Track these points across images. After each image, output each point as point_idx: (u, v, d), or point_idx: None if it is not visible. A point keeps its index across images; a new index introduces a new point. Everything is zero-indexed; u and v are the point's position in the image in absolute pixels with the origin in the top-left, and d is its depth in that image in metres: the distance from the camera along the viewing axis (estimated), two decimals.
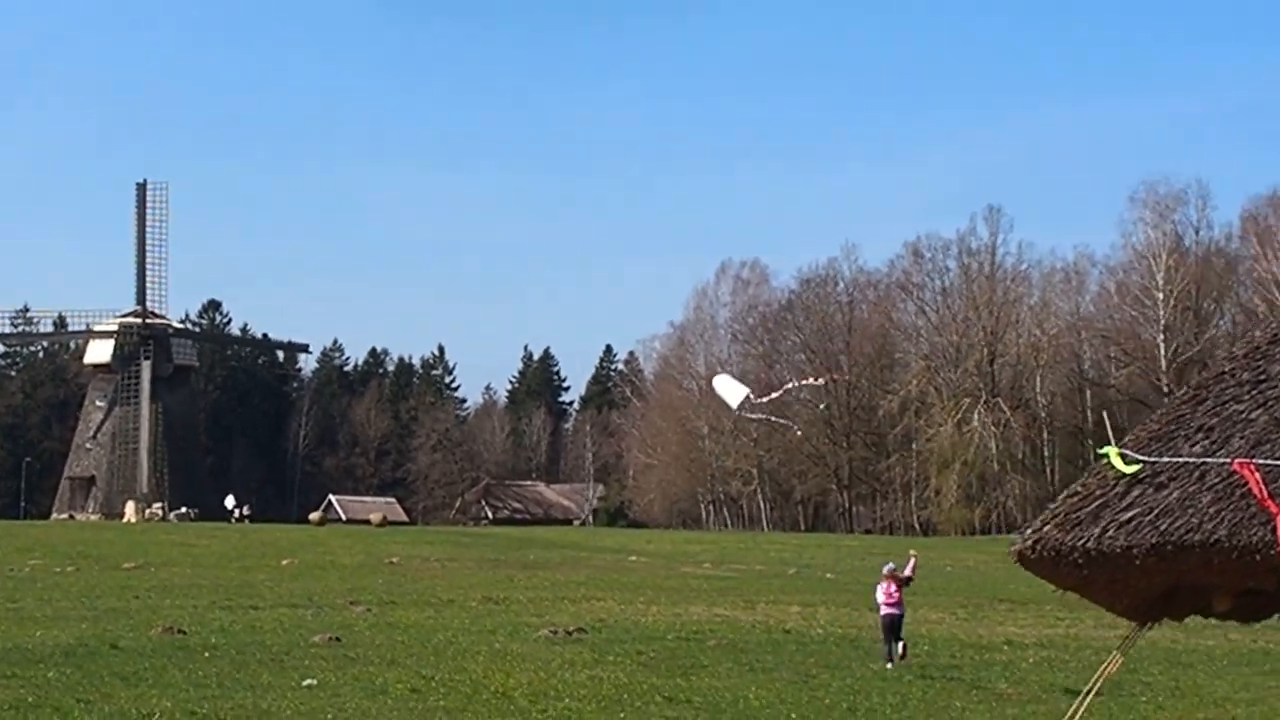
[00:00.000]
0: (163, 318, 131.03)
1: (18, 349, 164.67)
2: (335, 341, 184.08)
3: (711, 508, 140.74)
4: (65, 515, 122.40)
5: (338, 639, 27.11)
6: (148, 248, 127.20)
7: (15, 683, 20.39)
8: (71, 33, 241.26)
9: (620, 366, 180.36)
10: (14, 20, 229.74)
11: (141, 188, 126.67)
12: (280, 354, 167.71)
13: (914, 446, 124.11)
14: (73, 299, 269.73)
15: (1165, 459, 8.70)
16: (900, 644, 25.90)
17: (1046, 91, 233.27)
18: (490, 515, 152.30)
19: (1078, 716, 10.91)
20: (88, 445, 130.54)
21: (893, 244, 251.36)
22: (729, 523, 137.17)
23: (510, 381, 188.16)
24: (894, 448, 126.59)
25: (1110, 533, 8.37)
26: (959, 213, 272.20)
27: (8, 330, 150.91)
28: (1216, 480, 8.50)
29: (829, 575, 55.09)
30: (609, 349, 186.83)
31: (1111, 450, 9.03)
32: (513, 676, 21.97)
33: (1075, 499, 8.82)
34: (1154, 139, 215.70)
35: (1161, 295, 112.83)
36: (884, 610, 26.28)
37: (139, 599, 37.68)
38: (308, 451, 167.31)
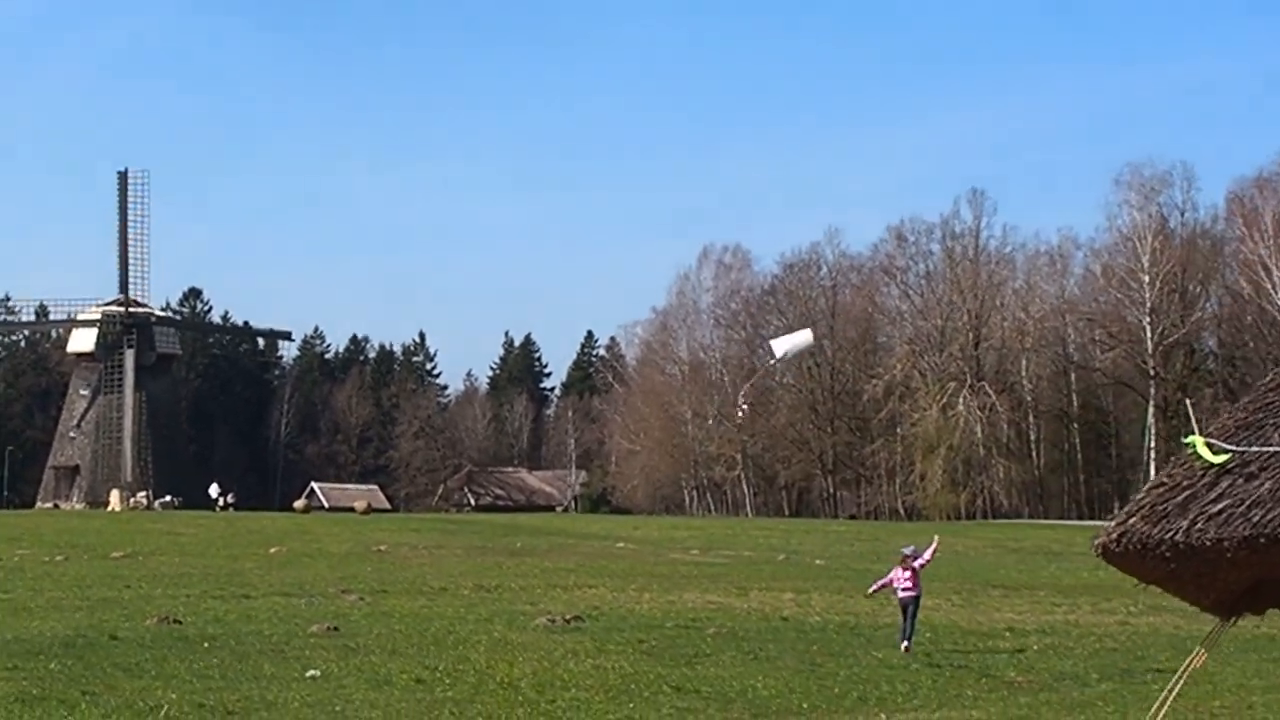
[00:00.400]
0: (145, 306, 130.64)
1: (0, 338, 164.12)
2: (316, 329, 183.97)
3: (695, 493, 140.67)
4: (50, 504, 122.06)
5: (336, 628, 26.94)
6: (130, 236, 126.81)
7: (18, 675, 20.17)
8: (52, 17, 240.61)
9: (602, 352, 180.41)
10: None
11: (123, 176, 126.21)
12: (262, 342, 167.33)
13: (899, 431, 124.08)
14: (53, 288, 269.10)
15: (1255, 448, 8.47)
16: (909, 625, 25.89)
17: (1029, 72, 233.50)
18: (473, 502, 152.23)
19: (1160, 715, 10.68)
20: (71, 434, 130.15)
21: (875, 228, 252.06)
22: (712, 508, 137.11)
23: (491, 368, 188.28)
24: (878, 432, 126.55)
25: (1199, 525, 8.16)
26: (942, 195, 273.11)
27: None
28: None
29: (819, 561, 54.97)
30: (590, 335, 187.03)
31: (1197, 440, 8.82)
32: (516, 666, 21.81)
33: (1161, 490, 8.63)
34: (1137, 120, 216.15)
35: (1147, 278, 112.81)
36: (900, 594, 26.20)
37: (130, 589, 37.46)
38: (289, 439, 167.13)
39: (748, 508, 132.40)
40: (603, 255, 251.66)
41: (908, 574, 26.17)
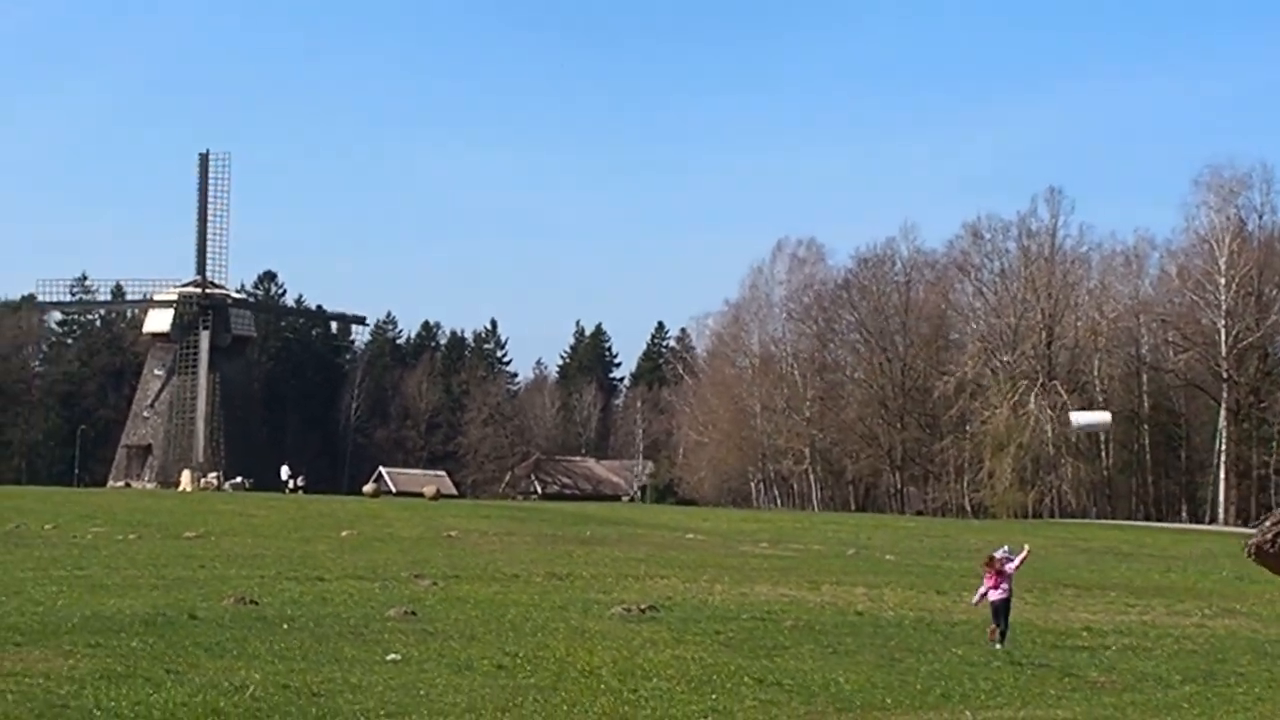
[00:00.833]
0: (222, 288, 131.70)
1: (76, 316, 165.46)
2: (388, 314, 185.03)
3: (761, 486, 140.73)
4: (121, 483, 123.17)
5: (413, 613, 27.00)
6: (209, 218, 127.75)
7: (101, 652, 20.31)
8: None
9: (672, 344, 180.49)
10: None
11: (205, 158, 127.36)
12: (334, 326, 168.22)
13: (968, 429, 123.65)
14: (130, 268, 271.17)
15: None
16: (1001, 627, 25.72)
17: (1109, 71, 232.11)
18: (540, 490, 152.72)
19: None
20: (145, 414, 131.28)
21: (951, 224, 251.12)
22: (779, 501, 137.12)
23: (561, 356, 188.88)
24: (948, 429, 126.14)
25: None
26: (1019, 194, 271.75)
27: (66, 298, 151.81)
28: None
29: (889, 557, 54.69)
30: (661, 326, 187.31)
31: None
32: (595, 654, 21.79)
33: None
34: (1217, 120, 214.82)
35: (1223, 280, 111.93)
36: (992, 596, 26.00)
37: (204, 568, 37.69)
38: (359, 423, 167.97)
39: (814, 502, 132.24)
40: (676, 247, 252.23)
41: (997, 576, 25.92)
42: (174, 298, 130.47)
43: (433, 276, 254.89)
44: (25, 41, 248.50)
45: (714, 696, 18.32)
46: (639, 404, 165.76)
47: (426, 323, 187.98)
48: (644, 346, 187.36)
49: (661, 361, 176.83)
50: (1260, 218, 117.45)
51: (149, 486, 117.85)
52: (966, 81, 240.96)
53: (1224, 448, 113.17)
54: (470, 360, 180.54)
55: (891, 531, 76.06)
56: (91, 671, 18.32)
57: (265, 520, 61.92)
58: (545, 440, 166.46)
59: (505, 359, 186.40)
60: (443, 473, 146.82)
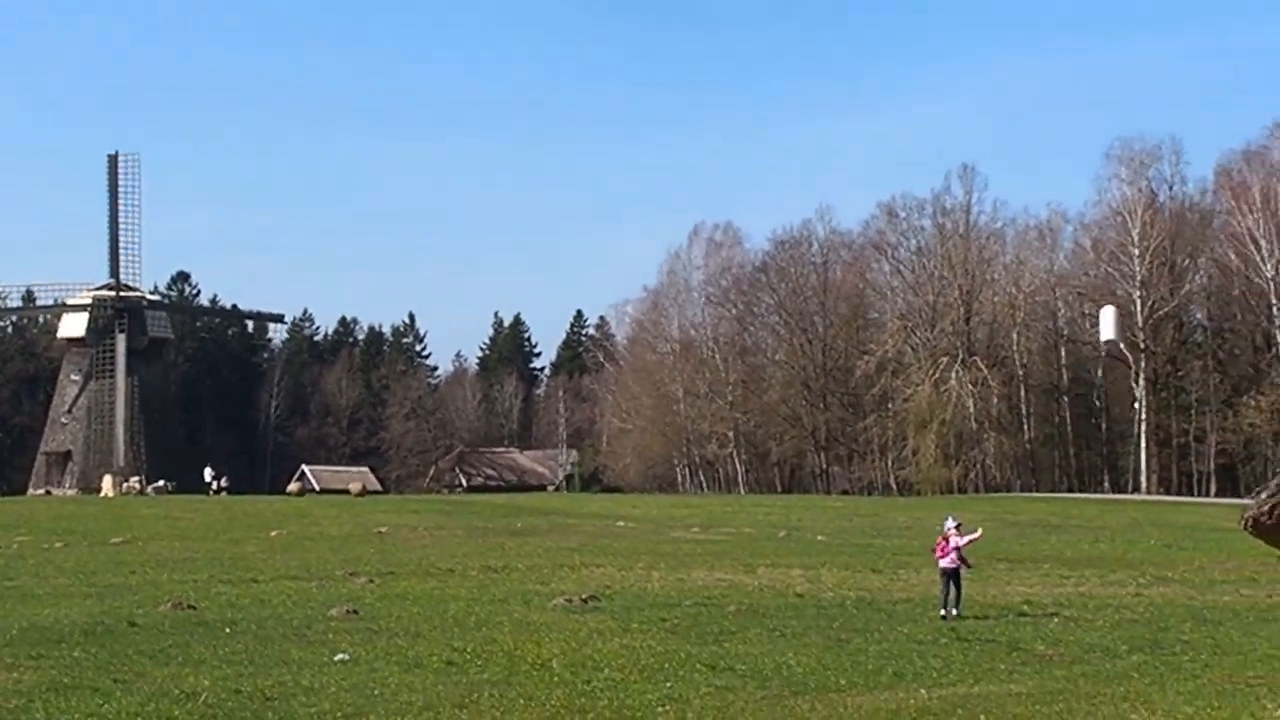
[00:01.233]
0: (136, 290, 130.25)
1: None
2: (305, 311, 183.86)
3: (687, 471, 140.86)
4: (42, 491, 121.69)
5: (355, 611, 26.82)
6: (120, 220, 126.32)
7: (45, 663, 20.03)
8: (37, 2, 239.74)
9: (591, 332, 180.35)
10: None
11: (113, 160, 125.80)
12: (251, 325, 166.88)
13: (891, 407, 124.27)
14: (42, 272, 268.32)
15: None
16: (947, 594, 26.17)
17: (1019, 47, 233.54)
18: (464, 483, 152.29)
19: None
20: (63, 420, 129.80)
21: (866, 205, 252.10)
22: (705, 486, 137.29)
23: (481, 348, 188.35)
24: (871, 408, 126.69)
25: None
26: (933, 172, 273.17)
27: None
28: None
29: (820, 537, 54.93)
30: (579, 314, 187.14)
31: None
32: (544, 647, 21.71)
33: None
34: (1126, 95, 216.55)
35: (1137, 251, 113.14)
36: (942, 564, 26.41)
37: (135, 574, 37.31)
38: (279, 422, 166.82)
39: (741, 485, 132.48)
40: (592, 235, 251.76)
41: (948, 545, 26.34)
42: (88, 301, 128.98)
43: (348, 272, 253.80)
44: None
45: (668, 685, 18.27)
46: (561, 393, 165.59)
47: (344, 319, 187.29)
48: (564, 335, 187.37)
49: (582, 350, 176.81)
50: (1171, 189, 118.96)
51: (70, 493, 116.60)
52: (878, 61, 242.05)
53: (1144, 417, 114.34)
54: (389, 355, 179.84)
55: (820, 512, 76.33)
56: (38, 684, 18.05)
57: (191, 523, 61.39)
58: (468, 433, 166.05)
59: (425, 353, 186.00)
60: (366, 469, 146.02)
